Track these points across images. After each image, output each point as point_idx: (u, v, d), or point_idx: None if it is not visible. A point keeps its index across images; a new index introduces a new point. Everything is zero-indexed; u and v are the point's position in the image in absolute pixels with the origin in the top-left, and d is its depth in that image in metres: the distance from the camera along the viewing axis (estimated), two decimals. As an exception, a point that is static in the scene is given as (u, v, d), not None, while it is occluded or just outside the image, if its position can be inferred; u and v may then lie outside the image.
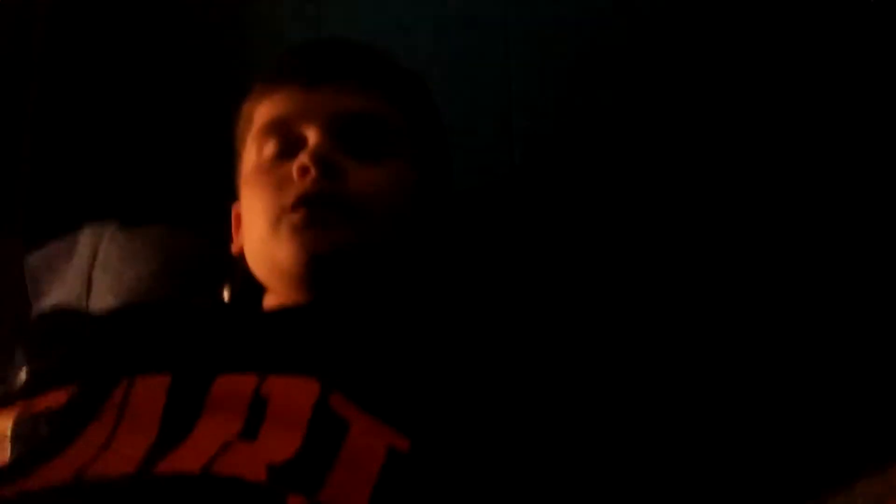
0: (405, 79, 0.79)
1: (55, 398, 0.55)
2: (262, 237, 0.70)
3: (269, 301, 0.73)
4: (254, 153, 0.74)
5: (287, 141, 0.73)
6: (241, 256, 0.76)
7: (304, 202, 0.67)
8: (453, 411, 0.55)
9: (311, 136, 0.71)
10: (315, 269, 0.67)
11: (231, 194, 0.80)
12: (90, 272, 1.01)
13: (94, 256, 1.01)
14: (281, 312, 0.69)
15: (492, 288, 0.80)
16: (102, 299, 0.96)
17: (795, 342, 0.75)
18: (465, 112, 1.03)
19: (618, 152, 0.96)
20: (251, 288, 0.75)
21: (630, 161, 0.91)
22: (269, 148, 0.73)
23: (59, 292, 1.02)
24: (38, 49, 1.31)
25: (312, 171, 0.68)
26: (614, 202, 0.86)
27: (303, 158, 0.69)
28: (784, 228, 0.81)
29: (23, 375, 0.62)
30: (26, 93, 1.28)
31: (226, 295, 0.82)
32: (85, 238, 1.04)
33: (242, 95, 0.80)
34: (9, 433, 0.55)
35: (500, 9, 1.11)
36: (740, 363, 0.74)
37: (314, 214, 0.67)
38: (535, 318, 0.67)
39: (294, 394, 0.53)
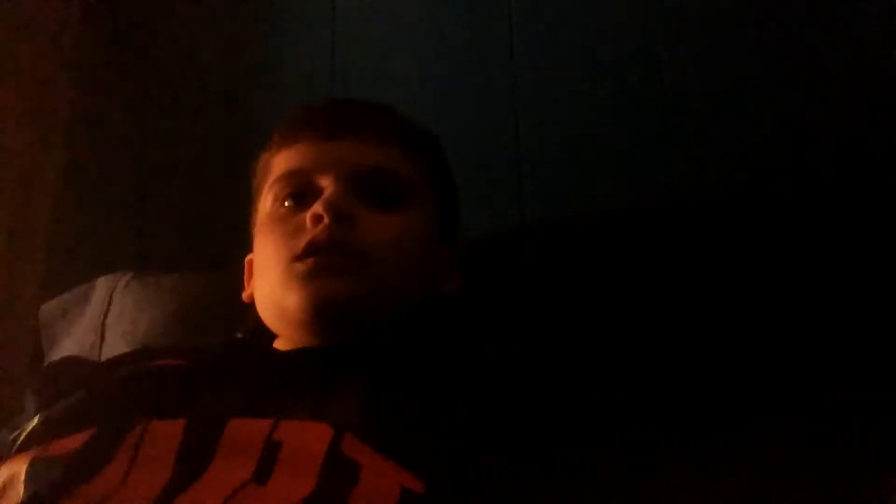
0: (419, 135, 0.80)
1: (70, 442, 0.55)
2: (272, 284, 0.71)
3: (280, 346, 0.74)
4: (269, 202, 0.76)
5: (303, 191, 0.74)
6: (253, 304, 0.77)
7: (315, 250, 0.68)
8: (467, 453, 0.55)
9: (327, 185, 0.72)
10: (323, 317, 0.68)
11: (245, 243, 0.81)
12: (104, 321, 1.02)
13: (108, 305, 1.02)
14: (292, 354, 0.69)
15: (501, 333, 0.80)
16: (115, 348, 0.97)
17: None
18: (474, 163, 1.05)
19: (626, 204, 0.98)
20: (262, 334, 0.76)
21: (638, 214, 0.91)
22: (285, 197, 0.75)
23: (72, 341, 1.03)
24: (64, 99, 1.34)
25: (325, 219, 0.69)
26: (622, 254, 0.86)
27: (316, 207, 0.70)
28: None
29: (35, 422, 0.62)
30: (49, 147, 1.31)
31: (239, 337, 0.82)
32: (100, 287, 1.05)
33: (257, 148, 0.81)
34: (23, 476, 0.54)
35: (507, 62, 1.14)
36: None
37: (324, 262, 0.68)
38: (542, 362, 0.67)
39: (306, 438, 0.52)
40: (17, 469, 0.55)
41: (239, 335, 0.82)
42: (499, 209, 1.07)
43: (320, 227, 0.69)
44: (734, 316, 0.79)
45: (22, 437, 0.59)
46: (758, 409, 0.71)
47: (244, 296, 0.80)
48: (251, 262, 0.79)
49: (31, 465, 0.54)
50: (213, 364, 0.67)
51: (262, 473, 0.51)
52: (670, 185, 1.01)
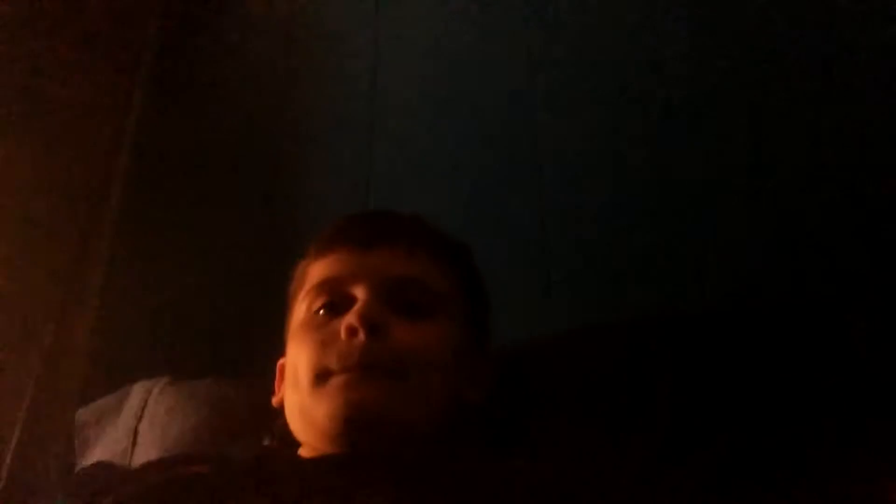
0: (449, 245, 0.82)
1: None
2: (302, 393, 0.72)
3: (305, 453, 0.73)
4: (304, 309, 0.77)
5: (337, 299, 0.76)
6: (282, 409, 0.78)
7: (353, 368, 0.70)
8: None
9: (360, 295, 0.74)
10: (352, 427, 0.68)
11: (279, 349, 0.82)
12: (136, 426, 1.02)
13: (141, 411, 1.03)
14: (317, 462, 0.69)
15: (527, 444, 0.79)
16: (147, 454, 0.97)
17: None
18: (502, 263, 1.05)
19: (652, 317, 0.97)
20: (289, 441, 0.76)
21: (666, 323, 0.91)
22: (319, 305, 0.76)
23: (105, 446, 1.03)
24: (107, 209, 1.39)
25: (360, 335, 0.70)
26: (649, 365, 0.85)
27: (350, 318, 0.71)
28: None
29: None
30: (91, 255, 1.35)
31: (265, 444, 0.82)
32: (135, 393, 1.06)
33: (289, 257, 0.84)
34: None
35: (532, 155, 1.16)
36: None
37: (361, 379, 0.69)
38: (575, 463, 0.66)
39: None
40: None
41: (265, 442, 0.82)
42: (526, 311, 1.07)
43: (355, 344, 0.70)
44: (760, 425, 0.77)
45: None
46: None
47: (274, 401, 0.81)
48: (283, 366, 0.80)
49: None
50: (238, 473, 0.66)
51: None
52: (704, 288, 1.00)
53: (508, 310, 0.89)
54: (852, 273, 0.91)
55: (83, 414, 1.09)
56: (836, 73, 0.98)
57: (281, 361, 0.81)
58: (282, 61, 1.44)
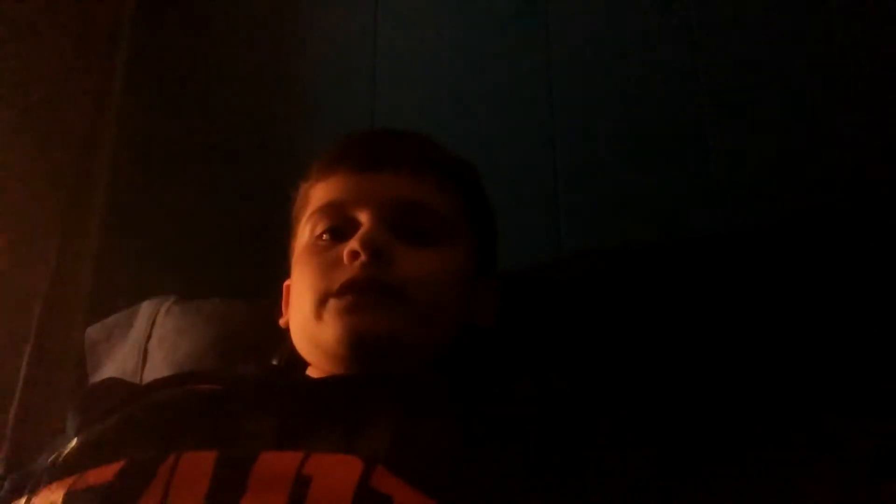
0: (457, 167, 0.81)
1: (105, 473, 0.55)
2: (307, 317, 0.72)
3: (312, 374, 0.74)
4: (307, 233, 0.77)
5: (340, 223, 0.75)
6: (288, 330, 0.78)
7: (351, 288, 0.69)
8: (500, 486, 0.55)
9: (364, 220, 0.73)
10: (358, 352, 0.68)
11: (285, 270, 0.82)
12: (146, 345, 1.04)
13: (150, 329, 1.04)
14: (324, 382, 0.69)
15: (536, 366, 0.79)
16: (157, 371, 0.99)
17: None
18: (511, 192, 1.05)
19: (664, 235, 0.97)
20: (296, 361, 0.77)
21: (674, 246, 0.91)
22: (322, 229, 0.75)
23: (115, 364, 1.05)
24: (109, 134, 1.38)
25: (362, 256, 0.69)
26: (658, 286, 0.85)
27: (353, 243, 0.70)
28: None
29: (72, 444, 0.62)
30: (95, 176, 1.34)
31: (274, 362, 0.83)
32: (143, 312, 1.07)
33: (298, 177, 0.83)
34: (59, 507, 0.55)
35: (545, 89, 1.14)
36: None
37: (360, 300, 0.69)
38: (576, 397, 0.66)
39: (336, 473, 0.52)
40: (54, 500, 0.55)
41: (274, 362, 0.83)
42: (536, 242, 1.06)
43: (357, 263, 0.69)
44: (762, 346, 0.78)
45: (59, 461, 0.60)
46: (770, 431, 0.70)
47: (281, 322, 0.81)
48: (289, 288, 0.80)
49: (67, 497, 0.55)
50: (247, 390, 0.67)
51: None
52: (709, 214, 1.00)
53: (516, 233, 0.89)
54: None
55: (93, 332, 1.11)
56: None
57: (287, 283, 0.81)
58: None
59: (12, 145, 1.26)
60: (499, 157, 1.12)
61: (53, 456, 0.62)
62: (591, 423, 0.63)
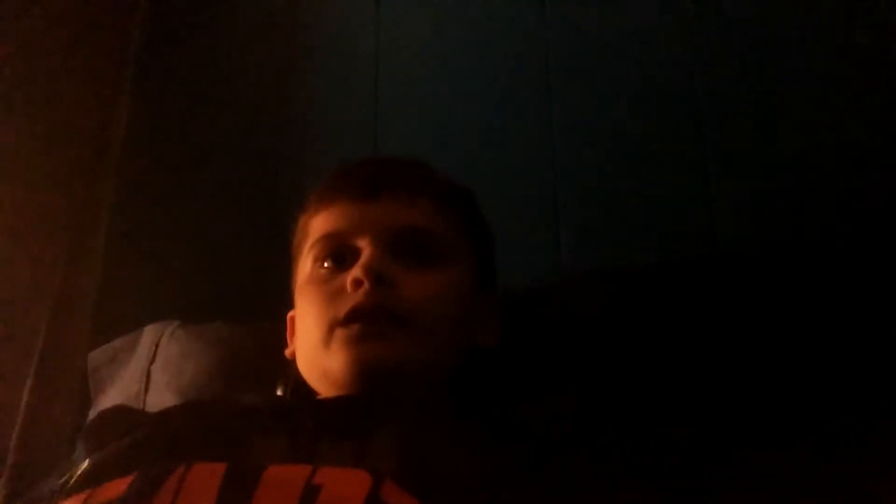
0: (451, 190, 0.82)
1: (116, 487, 0.56)
2: (314, 347, 0.72)
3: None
4: (309, 264, 0.78)
5: (341, 253, 0.76)
6: (294, 360, 0.79)
7: (357, 316, 0.70)
8: (506, 498, 0.55)
9: (365, 248, 0.74)
10: (367, 379, 0.69)
11: (286, 293, 0.83)
12: (149, 369, 1.04)
13: (153, 354, 1.05)
14: (332, 401, 0.70)
15: (538, 387, 0.80)
16: (160, 396, 0.99)
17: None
18: (513, 213, 1.07)
19: (663, 254, 0.98)
20: (303, 391, 0.78)
21: (676, 267, 0.92)
22: (324, 259, 0.77)
23: (118, 389, 1.06)
24: (113, 154, 1.39)
25: (366, 284, 0.70)
26: (659, 307, 0.86)
27: (356, 272, 0.71)
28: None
29: (84, 465, 0.63)
30: (99, 199, 1.35)
31: (279, 392, 0.83)
32: (147, 336, 1.08)
33: (302, 201, 0.83)
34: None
35: (545, 103, 1.16)
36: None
37: (367, 328, 0.69)
38: (582, 414, 0.67)
39: (346, 484, 0.53)
40: None
41: (279, 392, 0.84)
42: (537, 260, 1.08)
43: (361, 291, 0.70)
44: (763, 370, 0.79)
45: (72, 482, 0.61)
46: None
47: (286, 353, 0.82)
48: (293, 319, 0.81)
49: None
50: (256, 414, 0.68)
51: None
52: (710, 234, 1.01)
53: (517, 254, 0.90)
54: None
55: (96, 356, 1.11)
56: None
57: (291, 314, 0.82)
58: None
59: (18, 158, 1.26)
60: (499, 166, 1.14)
61: (65, 477, 0.62)
62: (595, 443, 0.63)
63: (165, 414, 0.74)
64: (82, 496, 0.57)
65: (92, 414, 1.03)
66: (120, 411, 0.83)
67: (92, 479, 0.59)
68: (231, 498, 0.52)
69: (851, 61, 1.00)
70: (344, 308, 0.70)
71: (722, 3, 1.10)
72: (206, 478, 0.54)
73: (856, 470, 0.66)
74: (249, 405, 0.72)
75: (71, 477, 0.62)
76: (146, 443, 0.64)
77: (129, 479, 0.56)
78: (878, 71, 0.98)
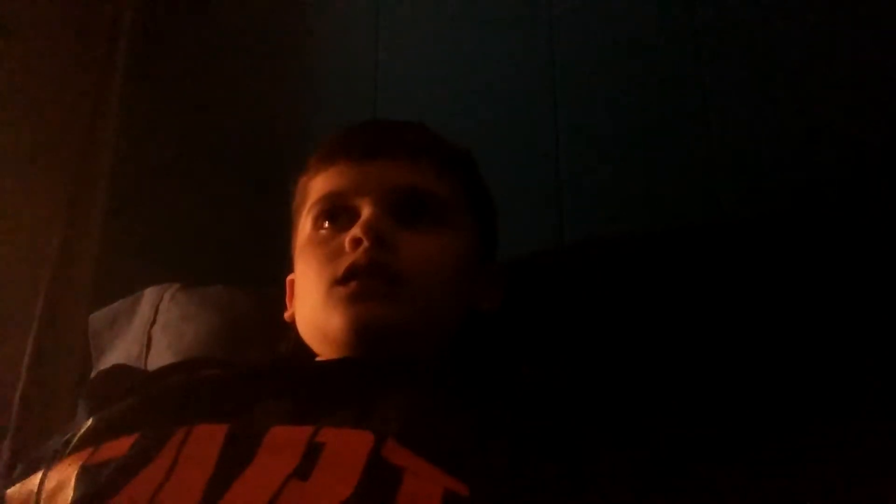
0: (452, 152, 0.82)
1: (118, 445, 0.57)
2: (313, 307, 0.73)
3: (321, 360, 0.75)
4: (308, 225, 0.78)
5: (341, 213, 0.76)
6: (294, 323, 0.79)
7: (356, 274, 0.70)
8: (509, 458, 0.56)
9: (364, 209, 0.74)
10: (366, 338, 0.69)
11: (289, 258, 0.83)
12: (150, 331, 1.05)
13: (154, 316, 1.05)
14: (334, 364, 0.71)
15: (539, 352, 0.81)
16: (161, 358, 1.00)
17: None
18: (514, 180, 1.06)
19: (667, 223, 0.98)
20: (303, 352, 0.78)
21: (678, 234, 0.92)
22: (323, 221, 0.77)
23: (119, 350, 1.06)
24: (112, 121, 1.39)
25: (365, 242, 0.70)
26: (661, 274, 0.86)
27: (355, 231, 0.71)
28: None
29: (87, 424, 0.64)
30: (98, 163, 1.35)
31: (281, 351, 0.84)
32: (147, 298, 1.09)
33: (302, 164, 0.84)
34: (73, 481, 0.56)
35: (548, 80, 1.16)
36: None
37: (365, 286, 0.70)
38: (578, 379, 0.68)
39: (349, 442, 0.53)
40: (69, 473, 0.57)
41: (281, 349, 0.84)
42: (539, 226, 1.08)
43: (360, 250, 0.70)
44: (767, 336, 0.79)
45: (74, 440, 0.62)
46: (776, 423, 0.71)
47: (286, 315, 0.82)
48: (292, 282, 0.81)
49: (82, 469, 0.56)
50: (259, 374, 0.68)
51: (304, 469, 0.51)
52: (712, 208, 1.02)
53: (519, 221, 0.90)
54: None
55: (96, 319, 1.12)
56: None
57: (290, 277, 0.82)
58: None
59: (13, 136, 1.26)
60: (502, 148, 1.13)
61: (68, 436, 0.63)
62: (594, 406, 0.64)
63: (167, 372, 0.74)
64: (84, 454, 0.58)
65: (93, 376, 1.04)
66: (121, 370, 0.84)
67: (94, 438, 0.60)
68: (233, 457, 0.53)
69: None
70: (342, 266, 0.70)
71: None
72: (207, 439, 0.55)
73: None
74: (251, 366, 0.72)
75: (74, 435, 0.63)
76: (148, 403, 0.65)
77: (130, 440, 0.57)
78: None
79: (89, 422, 0.63)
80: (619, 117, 1.10)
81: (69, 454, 0.59)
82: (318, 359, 0.76)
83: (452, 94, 1.22)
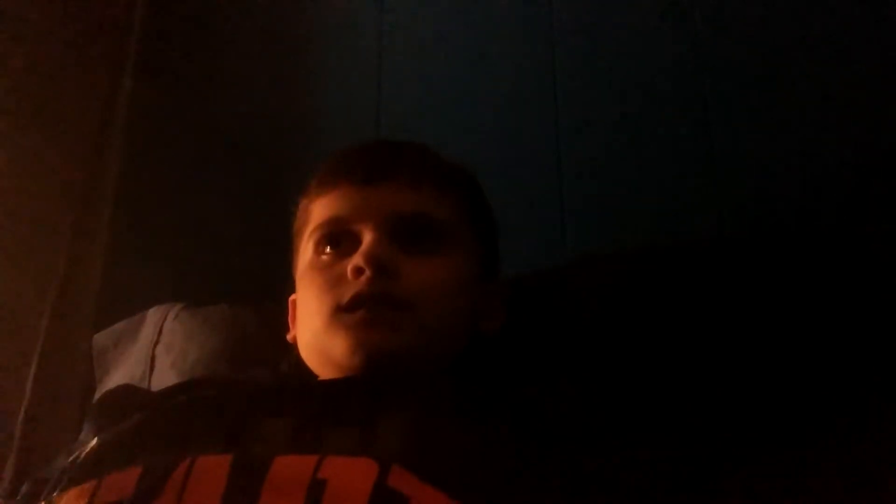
0: (455, 174, 0.82)
1: (122, 478, 0.56)
2: (315, 332, 0.73)
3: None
4: (310, 250, 0.78)
5: (342, 239, 0.76)
6: (296, 345, 0.79)
7: (359, 302, 0.70)
8: (515, 482, 0.56)
9: (366, 235, 0.74)
10: (369, 364, 0.70)
11: (289, 275, 0.84)
12: (153, 351, 1.05)
13: (158, 336, 1.06)
14: (336, 384, 0.70)
15: (543, 372, 0.81)
16: (164, 377, 1.01)
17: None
18: (516, 193, 1.07)
19: (670, 240, 0.99)
20: (305, 371, 0.78)
21: (681, 251, 0.92)
22: (325, 246, 0.77)
23: (123, 370, 1.07)
24: (116, 141, 1.40)
25: (367, 272, 0.71)
26: (665, 291, 0.86)
27: (357, 259, 0.72)
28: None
29: (93, 444, 0.64)
30: (103, 183, 1.36)
31: (283, 370, 0.84)
32: (151, 318, 1.09)
33: (306, 179, 0.84)
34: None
35: (550, 91, 1.16)
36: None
37: (372, 313, 0.70)
38: (587, 398, 0.68)
39: (352, 475, 0.53)
40: None
41: (283, 368, 0.84)
42: (541, 243, 1.09)
43: (362, 280, 0.71)
44: (767, 350, 0.79)
45: (79, 461, 0.62)
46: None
47: (288, 337, 0.82)
48: (294, 302, 0.82)
49: None
50: (260, 394, 0.69)
51: None
52: (714, 219, 1.02)
53: (522, 240, 0.90)
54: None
55: (100, 338, 1.13)
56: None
57: (292, 297, 0.83)
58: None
59: (19, 151, 1.28)
60: (503, 158, 1.14)
61: (74, 456, 0.63)
62: (600, 425, 0.64)
63: (169, 394, 0.74)
64: (88, 488, 0.57)
65: (97, 396, 1.04)
66: (127, 390, 0.84)
67: (98, 464, 0.60)
68: (238, 496, 0.53)
69: (855, 57, 1.01)
70: (346, 295, 0.71)
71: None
72: (211, 473, 0.54)
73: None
74: (253, 385, 0.72)
75: (79, 456, 0.63)
76: (151, 424, 0.65)
77: (134, 473, 0.56)
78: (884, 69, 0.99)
79: (94, 442, 0.64)
80: (622, 134, 1.11)
81: (73, 484, 0.59)
82: (321, 379, 0.76)
83: (454, 105, 1.22)
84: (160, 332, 1.06)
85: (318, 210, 0.79)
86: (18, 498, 0.71)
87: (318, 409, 0.62)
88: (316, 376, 0.76)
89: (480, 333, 0.79)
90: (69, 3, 1.38)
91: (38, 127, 1.29)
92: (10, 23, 1.29)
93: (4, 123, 1.26)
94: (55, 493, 0.60)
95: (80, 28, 1.39)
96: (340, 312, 0.71)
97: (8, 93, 1.27)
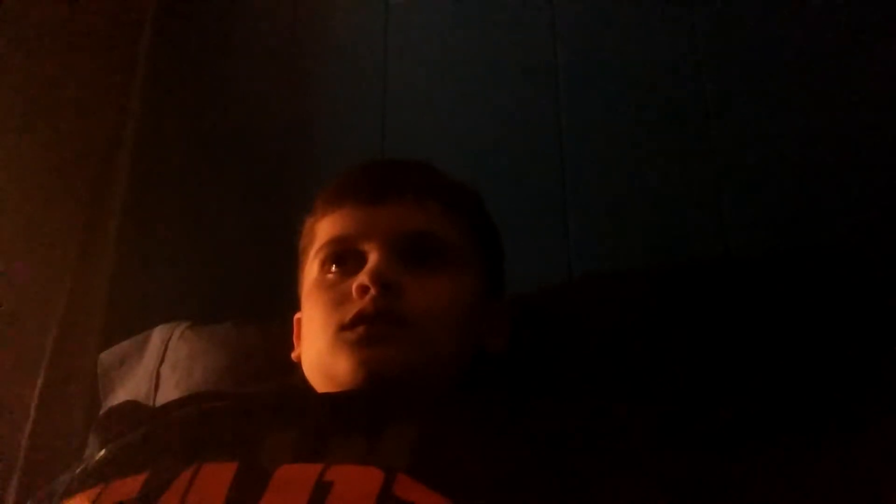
0: (460, 194, 0.83)
1: (128, 485, 0.57)
2: (319, 352, 0.74)
3: None
4: (315, 269, 0.79)
5: (348, 258, 0.77)
6: (300, 363, 0.81)
7: (363, 320, 0.71)
8: (523, 489, 0.56)
9: (371, 254, 0.75)
10: (372, 381, 0.70)
11: (295, 293, 0.85)
12: (159, 370, 1.06)
13: (163, 355, 1.07)
14: (342, 395, 0.71)
15: (548, 390, 0.81)
16: (169, 396, 1.02)
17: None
18: (521, 214, 1.08)
19: (674, 258, 0.99)
20: (309, 388, 0.79)
21: (686, 270, 0.93)
22: (331, 265, 0.78)
23: (128, 389, 1.08)
24: (123, 157, 1.41)
25: (372, 290, 0.71)
26: (669, 310, 0.87)
27: (362, 278, 0.72)
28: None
29: (99, 455, 0.65)
30: (109, 201, 1.37)
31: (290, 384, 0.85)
32: (156, 337, 1.11)
33: (308, 201, 0.85)
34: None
35: (553, 109, 1.18)
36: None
37: (373, 332, 0.71)
38: (592, 413, 0.68)
39: (358, 480, 0.54)
40: None
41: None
42: (546, 263, 1.09)
43: (367, 298, 0.72)
44: (771, 368, 0.80)
45: (89, 469, 0.63)
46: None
47: (293, 355, 0.83)
48: (299, 320, 0.83)
49: None
50: (266, 405, 0.69)
51: None
52: (720, 239, 1.03)
53: (527, 259, 0.90)
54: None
55: (106, 357, 1.14)
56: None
57: (297, 316, 0.84)
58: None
59: (27, 166, 1.29)
60: (507, 170, 1.15)
61: (81, 467, 0.64)
62: (604, 435, 0.65)
63: (175, 406, 0.75)
64: (94, 492, 0.58)
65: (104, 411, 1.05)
66: (131, 406, 0.85)
67: (104, 472, 0.61)
68: (240, 499, 0.53)
69: (855, 57, 1.02)
70: (350, 313, 0.72)
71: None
72: (215, 479, 0.55)
73: (858, 472, 0.67)
74: (259, 399, 0.73)
75: (86, 467, 0.64)
76: (157, 436, 0.66)
77: (140, 478, 0.57)
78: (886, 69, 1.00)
79: (102, 452, 0.64)
80: (626, 152, 1.12)
81: (79, 490, 0.60)
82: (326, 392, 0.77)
83: (459, 121, 1.24)
84: (165, 351, 1.07)
85: (324, 229, 0.80)
86: (25, 511, 0.72)
87: (324, 420, 0.63)
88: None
89: (485, 352, 0.79)
90: (80, 10, 1.39)
91: (46, 143, 1.31)
92: (16, 27, 1.30)
93: (13, 139, 1.28)
94: (62, 500, 0.60)
95: (92, 41, 1.40)
96: (344, 331, 0.72)
97: (14, 108, 1.29)
